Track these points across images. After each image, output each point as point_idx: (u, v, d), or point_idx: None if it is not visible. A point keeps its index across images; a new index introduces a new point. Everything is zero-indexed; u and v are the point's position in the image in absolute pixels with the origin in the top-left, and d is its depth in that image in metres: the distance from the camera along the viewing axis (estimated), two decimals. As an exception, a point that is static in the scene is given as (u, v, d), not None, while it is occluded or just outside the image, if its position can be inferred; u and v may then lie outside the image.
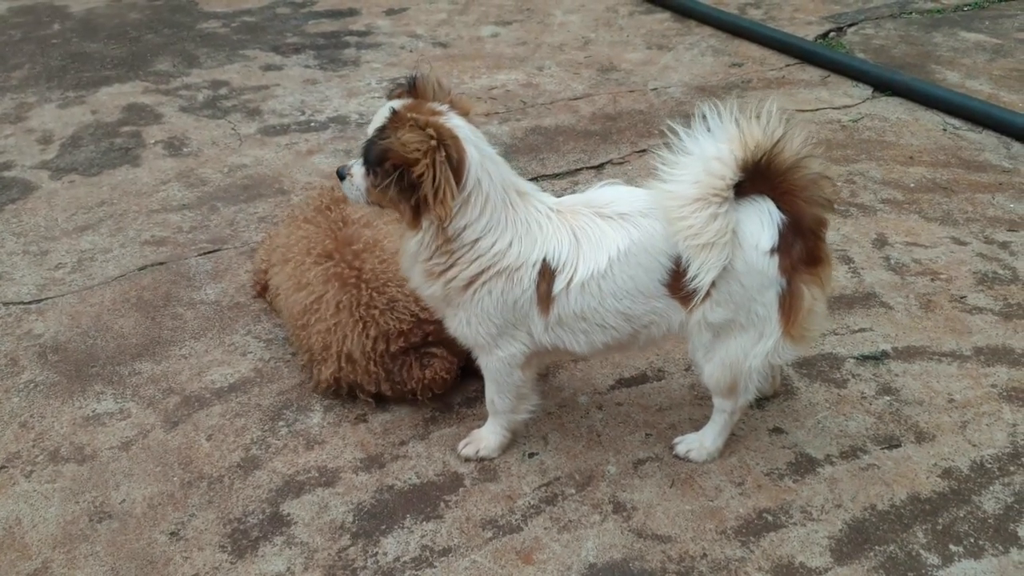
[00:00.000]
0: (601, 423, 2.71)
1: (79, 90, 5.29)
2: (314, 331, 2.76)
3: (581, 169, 4.26)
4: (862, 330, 3.08)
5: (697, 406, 2.76)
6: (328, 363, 2.74)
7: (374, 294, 2.70)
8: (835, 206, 3.79)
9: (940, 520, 2.35)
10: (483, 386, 2.82)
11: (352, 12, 6.63)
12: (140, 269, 3.56)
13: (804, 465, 2.54)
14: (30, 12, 6.68)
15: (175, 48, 5.94)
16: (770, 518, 2.38)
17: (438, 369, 2.71)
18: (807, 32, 5.87)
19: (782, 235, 2.18)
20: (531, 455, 2.60)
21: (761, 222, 2.18)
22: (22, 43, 6.04)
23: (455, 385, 2.84)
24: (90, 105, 5.08)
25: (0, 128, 4.82)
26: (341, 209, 3.06)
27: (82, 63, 5.70)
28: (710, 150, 2.16)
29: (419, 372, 2.71)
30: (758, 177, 2.16)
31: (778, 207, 2.19)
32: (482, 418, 2.73)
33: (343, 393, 2.81)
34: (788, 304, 2.23)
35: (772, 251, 2.18)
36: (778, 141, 2.12)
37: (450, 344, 2.75)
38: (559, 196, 3.94)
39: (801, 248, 2.20)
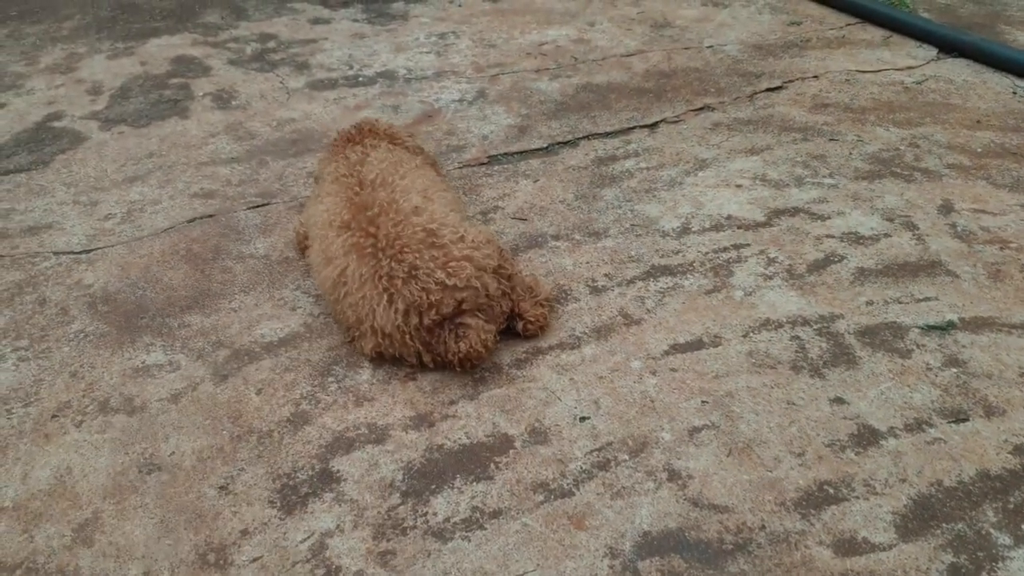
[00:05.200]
0: (655, 389, 2.64)
1: (128, 41, 5.26)
2: (346, 305, 2.72)
3: (634, 128, 4.15)
4: (927, 299, 2.97)
5: (755, 374, 2.68)
6: (367, 337, 2.70)
7: (393, 263, 2.62)
8: (898, 170, 3.67)
9: (1011, 499, 2.26)
10: (532, 348, 2.79)
11: (401, -35, 6.52)
12: (189, 221, 3.54)
13: (867, 437, 2.46)
14: (79, -38, 6.66)
15: (222, 0, 5.88)
16: (831, 491, 2.30)
17: (473, 342, 2.63)
18: (869, -10, 5.66)
19: None
20: (582, 419, 2.55)
21: None
22: (72, -7, 6.02)
23: (504, 346, 2.80)
24: (139, 56, 5.05)
25: (51, 78, 4.82)
26: (357, 172, 2.99)
27: (131, 14, 5.67)
28: None
29: (454, 345, 2.64)
30: None
31: None
32: (532, 380, 2.68)
33: (389, 362, 2.77)
34: None
35: None
36: None
37: (486, 310, 2.69)
38: (611, 156, 3.87)
39: None
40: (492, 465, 2.41)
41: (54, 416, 2.63)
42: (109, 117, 4.40)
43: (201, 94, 4.60)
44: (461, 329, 2.65)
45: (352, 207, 2.82)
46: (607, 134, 4.11)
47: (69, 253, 3.38)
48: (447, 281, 2.60)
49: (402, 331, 2.63)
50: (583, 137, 4.09)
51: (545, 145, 4.04)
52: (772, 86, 4.51)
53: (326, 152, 3.34)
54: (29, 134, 4.24)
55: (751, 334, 2.85)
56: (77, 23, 5.53)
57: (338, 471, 2.41)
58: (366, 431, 2.54)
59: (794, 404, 2.57)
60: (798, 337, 2.83)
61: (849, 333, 2.83)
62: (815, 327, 2.87)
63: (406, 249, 2.64)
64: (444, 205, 2.90)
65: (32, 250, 3.39)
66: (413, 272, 2.61)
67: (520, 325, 2.83)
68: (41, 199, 3.72)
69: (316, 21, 5.51)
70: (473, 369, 2.71)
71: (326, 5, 5.76)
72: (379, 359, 2.77)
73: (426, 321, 2.62)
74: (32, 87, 4.71)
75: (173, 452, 2.50)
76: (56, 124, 4.33)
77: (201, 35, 5.33)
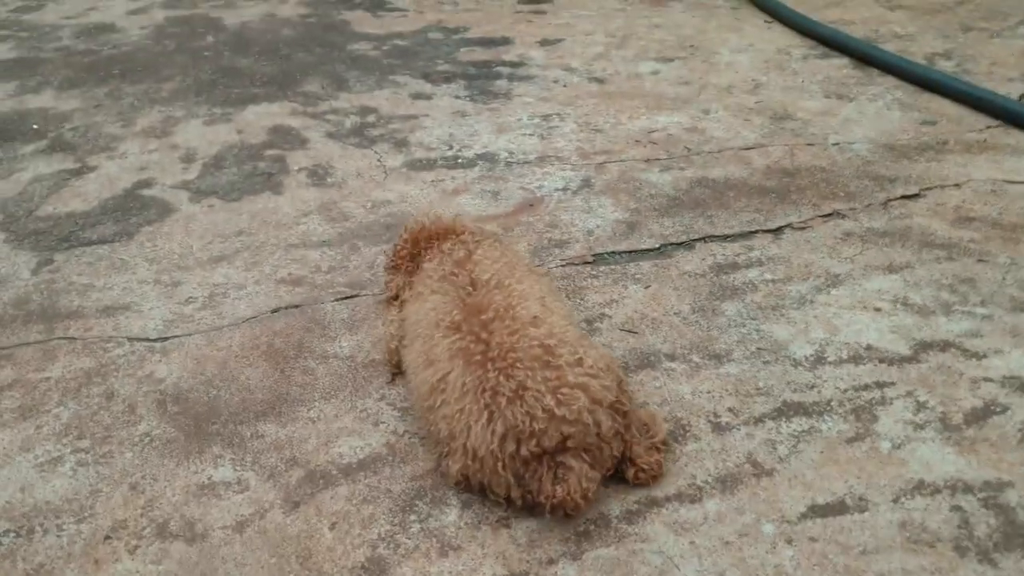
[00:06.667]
0: (791, 563, 2.24)
1: (226, 107, 5.15)
2: (440, 415, 2.41)
3: (756, 232, 3.79)
4: (1114, 469, 2.52)
5: (911, 552, 2.26)
6: (456, 456, 2.38)
7: (501, 377, 2.30)
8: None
9: None
10: (646, 498, 2.42)
11: (505, 41, 6.34)
12: (273, 311, 3.29)
13: (1057, 654, 2.02)
14: (186, 23, 6.66)
15: (325, 69, 5.77)
16: None
17: (572, 487, 2.26)
18: (1008, 89, 5.23)
19: None
20: (706, 596, 2.16)
21: None
22: (175, 54, 5.99)
23: (612, 492, 2.44)
24: (236, 124, 4.92)
25: (145, 142, 4.70)
26: (468, 271, 2.71)
27: (232, 78, 5.58)
28: None
29: (549, 487, 2.28)
30: None
31: None
32: (646, 540, 2.31)
33: (474, 491, 2.43)
34: None
35: None
36: None
37: (594, 452, 2.33)
38: (732, 263, 3.51)
39: None
40: (599, 651, 2.04)
41: (107, 538, 2.36)
42: (200, 188, 4.23)
43: (296, 168, 4.41)
44: (561, 470, 2.30)
45: (465, 308, 2.52)
46: (726, 237, 3.76)
47: (144, 340, 3.15)
48: (556, 410, 2.26)
49: (496, 457, 2.29)
50: (699, 239, 3.75)
51: (657, 245, 3.71)
52: (908, 193, 4.11)
53: (392, 260, 3.08)
54: (117, 202, 4.09)
55: (903, 499, 2.43)
56: (177, 85, 5.46)
57: (417, 642, 2.07)
58: (451, 590, 2.20)
59: (959, 595, 2.14)
60: (960, 508, 2.40)
61: (1022, 508, 2.40)
62: (980, 496, 2.44)
63: (518, 364, 2.32)
64: (562, 318, 2.58)
65: (106, 334, 3.18)
66: (521, 392, 2.28)
67: (631, 472, 2.46)
68: (122, 275, 3.53)
69: (417, 96, 5.32)
70: (567, 518, 2.35)
71: (428, 80, 5.59)
72: (466, 485, 2.43)
73: (524, 451, 2.27)
74: (125, 151, 4.60)
75: (232, 596, 2.19)
76: (145, 192, 4.18)
77: (301, 104, 5.19)
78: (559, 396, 2.28)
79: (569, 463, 2.29)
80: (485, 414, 2.30)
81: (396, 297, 3.02)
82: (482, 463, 2.33)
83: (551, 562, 2.26)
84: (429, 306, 2.65)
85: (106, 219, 3.95)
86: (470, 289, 2.63)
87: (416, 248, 2.99)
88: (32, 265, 3.63)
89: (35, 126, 4.94)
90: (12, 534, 2.38)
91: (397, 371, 2.92)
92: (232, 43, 6.24)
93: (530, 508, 2.36)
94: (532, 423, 2.25)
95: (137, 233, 3.84)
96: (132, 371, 2.99)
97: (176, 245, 3.75)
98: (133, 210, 4.03)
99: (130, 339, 3.15)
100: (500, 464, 2.30)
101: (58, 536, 2.37)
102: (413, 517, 2.41)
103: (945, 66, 5.61)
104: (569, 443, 2.29)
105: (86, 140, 4.74)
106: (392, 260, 3.12)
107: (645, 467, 2.43)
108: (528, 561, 2.26)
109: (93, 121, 4.98)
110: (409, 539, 2.34)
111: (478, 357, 2.37)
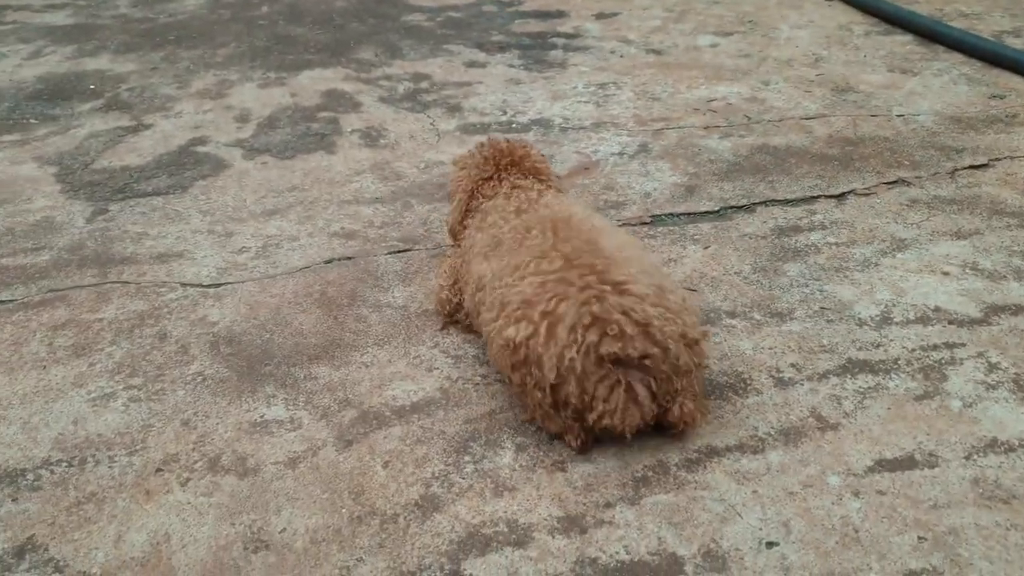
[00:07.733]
0: (859, 515, 2.15)
1: (280, 72, 5.14)
2: (526, 283, 2.34)
3: (819, 197, 3.68)
4: None
5: (984, 508, 2.16)
6: (531, 320, 2.27)
7: (608, 288, 2.25)
8: None
9: None
10: (706, 447, 2.35)
11: (560, 14, 6.28)
12: (326, 262, 3.27)
13: None
14: (242, -6, 6.68)
15: (379, 38, 5.74)
16: None
17: (632, 409, 2.21)
18: (1081, 66, 5.04)
19: None
20: (769, 544, 2.08)
21: None
22: (230, 23, 6.01)
23: (670, 442, 2.37)
24: (290, 87, 4.91)
25: (200, 103, 4.71)
26: (534, 205, 2.68)
27: (286, 46, 5.58)
28: None
29: (607, 394, 2.20)
30: None
31: None
32: (706, 487, 2.23)
33: (526, 368, 2.30)
34: None
35: None
36: None
37: (660, 382, 2.25)
38: (794, 226, 3.42)
39: None
40: (658, 593, 1.97)
41: (159, 470, 2.34)
42: (254, 146, 4.22)
43: (349, 130, 4.39)
44: (626, 390, 2.21)
45: (562, 257, 2.38)
46: (788, 201, 3.65)
47: (197, 286, 3.14)
48: (652, 323, 2.20)
49: (576, 340, 2.18)
50: (760, 203, 3.65)
51: (716, 208, 3.62)
52: (976, 163, 3.97)
53: (465, 172, 2.94)
54: (171, 157, 4.10)
55: (975, 456, 2.33)
56: (232, 51, 5.47)
57: (471, 576, 2.02)
58: (505, 529, 2.14)
59: (1040, 555, 2.04)
60: (1036, 466, 2.30)
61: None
62: (1057, 456, 2.33)
63: (630, 284, 2.26)
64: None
65: (159, 279, 3.18)
66: (625, 290, 2.23)
67: (676, 411, 2.33)
68: (175, 225, 3.53)
69: (471, 64, 5.27)
70: (615, 439, 2.27)
71: (482, 49, 5.53)
72: (526, 432, 2.36)
73: (603, 348, 2.17)
74: (180, 110, 4.61)
75: (284, 528, 2.16)
76: (200, 149, 4.18)
77: (354, 71, 5.17)
78: (658, 318, 2.22)
79: (637, 388, 2.20)
80: (586, 294, 2.23)
81: (458, 241, 2.93)
82: (555, 338, 2.21)
83: (608, 505, 2.19)
84: (517, 223, 2.59)
85: (160, 173, 3.96)
86: (552, 238, 2.48)
87: (491, 170, 2.89)
88: (87, 214, 3.65)
89: (92, 86, 4.99)
90: (64, 464, 2.38)
91: (450, 321, 2.88)
92: (286, 13, 6.25)
93: (577, 416, 2.27)
94: (624, 325, 2.18)
95: (191, 186, 3.85)
96: (185, 314, 2.98)
97: (230, 198, 3.74)
98: (187, 165, 4.04)
99: (183, 284, 3.15)
100: (575, 348, 2.19)
101: (110, 467, 2.36)
102: (467, 458, 2.35)
103: (1013, 44, 5.43)
104: (647, 362, 2.21)
105: (142, 100, 4.76)
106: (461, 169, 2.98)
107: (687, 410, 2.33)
108: (585, 504, 2.20)
109: (149, 83, 5.00)
110: (463, 479, 2.29)
111: (596, 264, 2.31)
